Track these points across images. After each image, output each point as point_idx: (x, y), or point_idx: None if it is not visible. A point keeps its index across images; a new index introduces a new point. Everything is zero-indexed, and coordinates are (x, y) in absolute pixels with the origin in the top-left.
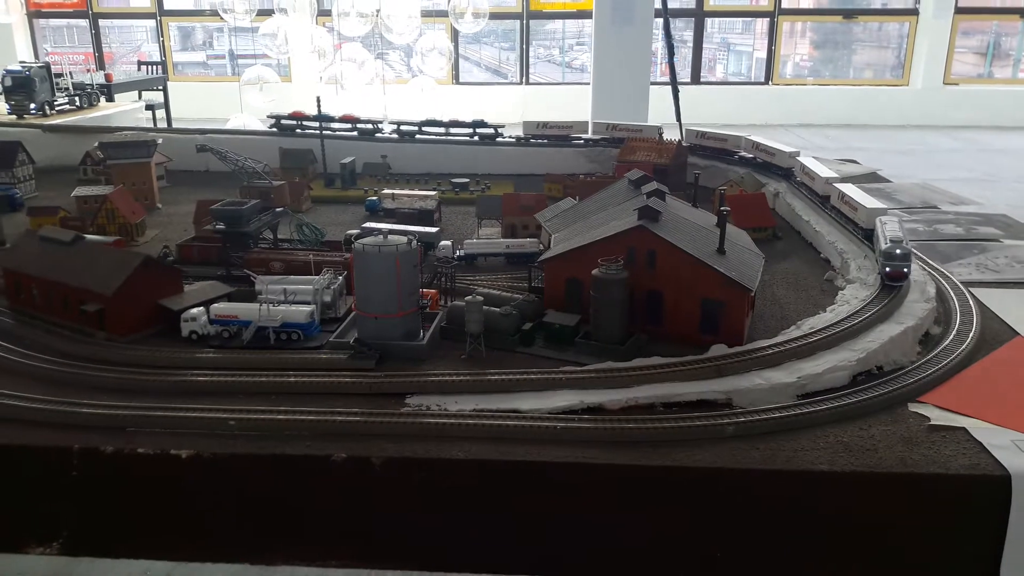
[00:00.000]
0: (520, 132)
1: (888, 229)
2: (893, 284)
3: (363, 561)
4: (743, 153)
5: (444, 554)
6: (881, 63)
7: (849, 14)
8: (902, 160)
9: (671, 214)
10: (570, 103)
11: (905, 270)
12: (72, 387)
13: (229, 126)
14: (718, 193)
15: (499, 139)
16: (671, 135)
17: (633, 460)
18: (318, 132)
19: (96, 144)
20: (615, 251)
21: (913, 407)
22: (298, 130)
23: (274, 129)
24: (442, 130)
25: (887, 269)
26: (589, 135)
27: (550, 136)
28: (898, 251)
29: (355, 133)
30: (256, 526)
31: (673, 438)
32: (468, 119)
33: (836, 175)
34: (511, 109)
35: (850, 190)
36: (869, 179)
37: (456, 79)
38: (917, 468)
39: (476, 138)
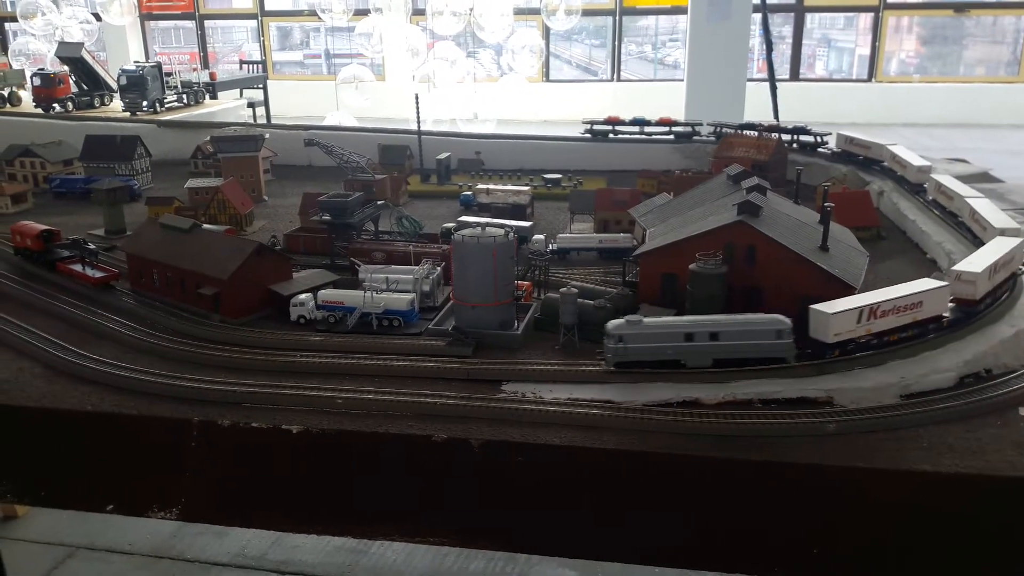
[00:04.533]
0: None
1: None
2: None
3: (458, 539)
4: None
5: (535, 538)
6: (995, 59)
7: (960, 8)
8: (1017, 161)
9: (772, 209)
10: (663, 100)
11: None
12: (190, 364)
13: (326, 123)
14: (821, 189)
15: (820, 148)
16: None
17: (730, 454)
18: (629, 137)
19: (208, 138)
20: (713, 246)
21: None
22: (611, 135)
23: (587, 134)
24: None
25: None
26: (888, 163)
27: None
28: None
29: (672, 136)
30: (357, 501)
31: (771, 434)
32: (790, 125)
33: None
34: (601, 106)
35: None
36: (979, 179)
37: (546, 77)
38: None
39: (795, 145)
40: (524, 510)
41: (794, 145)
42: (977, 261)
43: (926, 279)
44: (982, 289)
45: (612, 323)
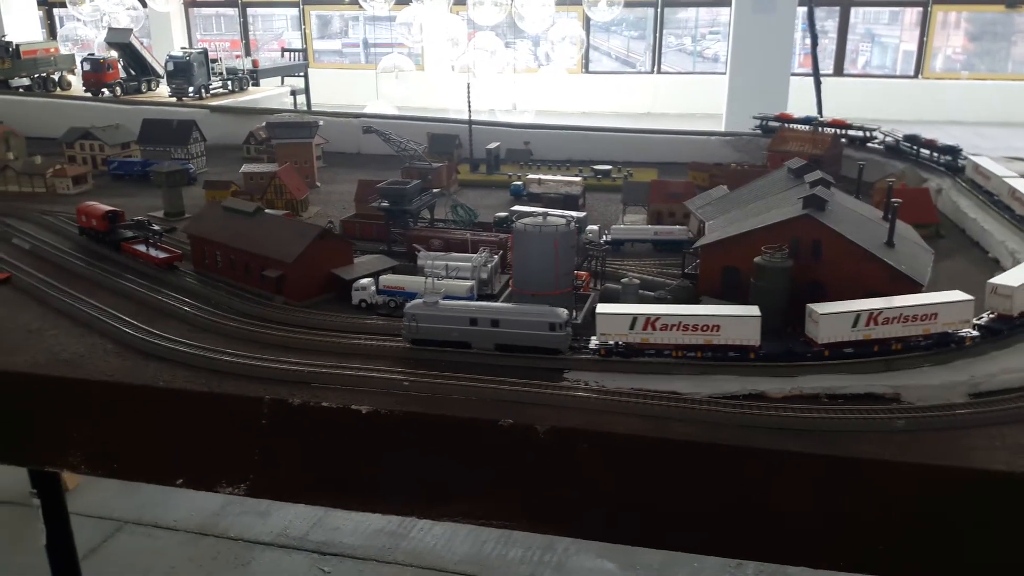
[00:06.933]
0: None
1: None
2: None
3: (523, 523)
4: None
5: (596, 524)
6: None
7: (1013, 3)
8: None
9: (836, 204)
10: (704, 93)
11: None
12: (255, 344)
13: (372, 111)
14: (884, 185)
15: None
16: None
17: (796, 447)
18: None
19: (264, 124)
20: (777, 239)
21: None
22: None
23: (758, 131)
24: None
25: None
26: (1003, 199)
27: None
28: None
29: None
30: (422, 482)
31: (840, 429)
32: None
33: None
34: (642, 99)
35: None
36: None
37: (585, 68)
38: None
39: (940, 166)
40: (587, 497)
41: (938, 165)
42: (845, 305)
43: (738, 307)
44: (828, 334)
45: (409, 304)
